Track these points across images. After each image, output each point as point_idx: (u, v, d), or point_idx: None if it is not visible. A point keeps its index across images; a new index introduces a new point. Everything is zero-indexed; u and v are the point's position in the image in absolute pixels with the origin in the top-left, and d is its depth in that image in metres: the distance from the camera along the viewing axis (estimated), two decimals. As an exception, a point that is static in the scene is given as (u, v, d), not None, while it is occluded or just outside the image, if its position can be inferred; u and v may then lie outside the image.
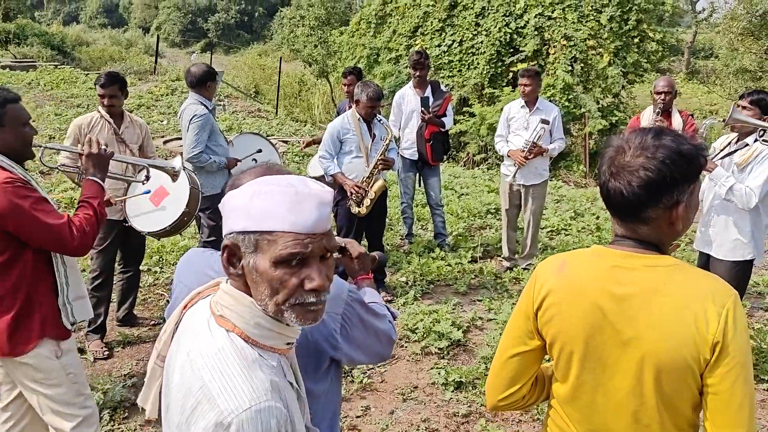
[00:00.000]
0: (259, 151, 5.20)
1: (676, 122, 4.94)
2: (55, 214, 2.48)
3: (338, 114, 6.52)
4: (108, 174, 2.83)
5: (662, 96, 4.92)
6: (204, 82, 4.83)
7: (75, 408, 2.64)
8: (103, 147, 2.77)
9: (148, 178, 3.70)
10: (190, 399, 1.14)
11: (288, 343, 1.27)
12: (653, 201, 1.44)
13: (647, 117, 5.04)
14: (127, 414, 3.66)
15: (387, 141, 5.05)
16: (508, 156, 5.69)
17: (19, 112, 2.53)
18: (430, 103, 6.24)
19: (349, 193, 4.93)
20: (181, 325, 1.33)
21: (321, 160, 5.02)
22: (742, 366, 1.39)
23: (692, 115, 4.89)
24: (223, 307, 1.23)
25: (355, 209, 4.97)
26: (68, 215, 2.54)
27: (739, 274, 3.97)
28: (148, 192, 4.04)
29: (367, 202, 4.97)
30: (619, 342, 1.47)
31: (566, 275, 1.56)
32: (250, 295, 1.23)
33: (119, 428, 3.53)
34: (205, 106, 4.80)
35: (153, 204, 4.15)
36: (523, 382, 1.69)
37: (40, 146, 2.80)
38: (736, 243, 3.95)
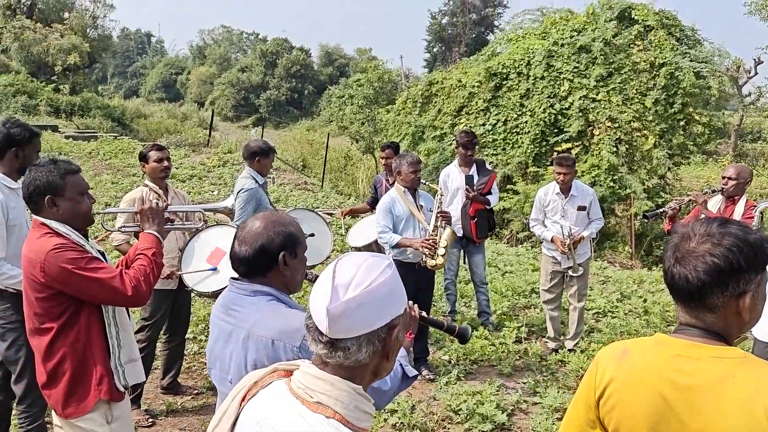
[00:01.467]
0: (312, 235, 5.14)
1: (738, 210, 4.85)
2: (108, 270, 2.60)
3: (374, 186, 6.66)
4: (165, 227, 2.98)
5: (725, 180, 4.91)
6: (254, 156, 4.98)
7: (121, 476, 2.66)
8: (155, 201, 2.91)
9: (205, 221, 3.76)
10: None
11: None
12: (719, 288, 1.43)
13: (715, 201, 5.02)
14: (167, 485, 3.65)
15: (439, 197, 5.21)
16: (552, 242, 5.69)
17: (79, 182, 2.70)
18: (475, 181, 6.33)
19: (421, 250, 4.94)
20: (248, 416, 1.29)
21: (381, 236, 5.05)
22: None
23: (755, 206, 4.81)
24: (317, 393, 1.22)
25: (431, 263, 4.96)
26: (121, 269, 2.66)
27: None
28: (214, 269, 4.05)
29: (441, 251, 4.98)
30: None
31: (628, 363, 1.54)
32: (344, 377, 1.24)
33: (159, 499, 3.51)
34: (255, 180, 4.95)
35: (211, 265, 4.24)
36: None
37: (99, 213, 2.93)
38: None
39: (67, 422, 2.65)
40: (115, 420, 2.67)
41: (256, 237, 1.93)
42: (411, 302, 2.04)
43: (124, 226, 3.86)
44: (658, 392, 1.48)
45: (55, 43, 26.63)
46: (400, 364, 1.99)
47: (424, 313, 2.08)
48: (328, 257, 5.16)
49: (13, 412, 3.64)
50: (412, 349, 4.59)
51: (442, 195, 5.28)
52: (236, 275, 4.18)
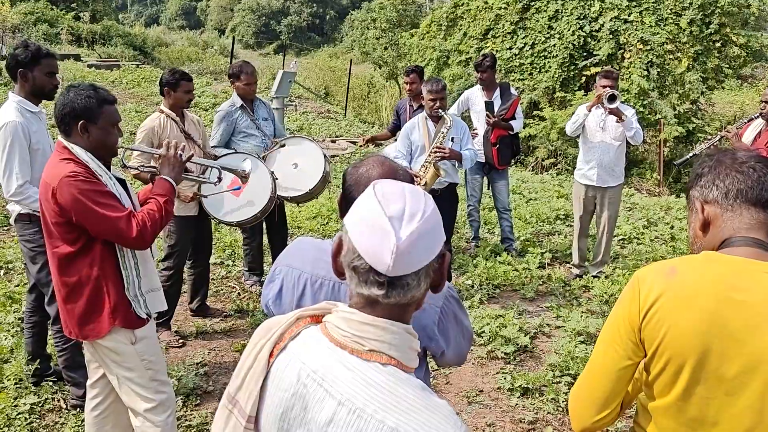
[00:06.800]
0: (283, 145, 4.98)
1: None
2: (116, 208, 2.57)
3: (396, 112, 6.55)
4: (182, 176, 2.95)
5: (763, 104, 4.66)
6: (229, 78, 5.36)
7: (150, 392, 2.74)
8: (180, 152, 2.88)
9: (220, 179, 3.63)
10: None
11: None
12: None
13: (755, 126, 4.82)
14: (199, 401, 3.79)
15: (447, 128, 4.87)
16: (585, 111, 5.35)
17: (113, 113, 2.68)
18: (496, 107, 6.17)
19: None
20: (283, 373, 1.17)
21: (395, 160, 5.03)
22: None
23: None
24: (369, 340, 1.13)
25: None
26: (131, 209, 2.64)
27: None
28: (237, 189, 4.23)
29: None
30: (741, 353, 1.37)
31: (678, 279, 1.45)
32: (394, 318, 1.15)
33: (191, 414, 3.65)
34: (233, 102, 5.18)
35: (235, 196, 4.29)
36: (618, 401, 1.57)
37: (121, 147, 2.91)
38: None
39: (89, 343, 2.73)
40: (140, 341, 2.72)
41: None
42: None
43: (142, 165, 3.81)
44: (712, 310, 1.39)
45: (72, -31, 26.16)
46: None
47: None
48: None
49: (49, 331, 3.78)
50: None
51: (449, 128, 4.87)
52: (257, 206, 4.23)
